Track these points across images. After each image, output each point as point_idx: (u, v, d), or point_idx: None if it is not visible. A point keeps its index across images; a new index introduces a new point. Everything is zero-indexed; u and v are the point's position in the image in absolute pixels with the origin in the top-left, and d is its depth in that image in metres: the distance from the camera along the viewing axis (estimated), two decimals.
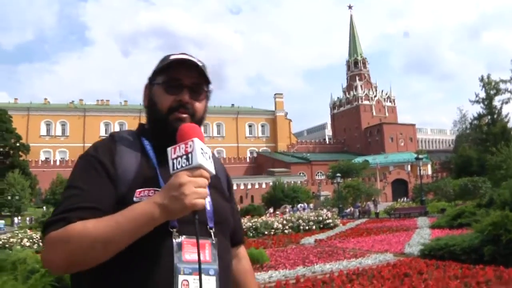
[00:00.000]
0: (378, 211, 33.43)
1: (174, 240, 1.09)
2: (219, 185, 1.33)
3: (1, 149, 61.23)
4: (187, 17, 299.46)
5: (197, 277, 1.06)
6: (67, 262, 1.03)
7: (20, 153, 61.81)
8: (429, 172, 75.01)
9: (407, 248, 10.98)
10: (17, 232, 19.94)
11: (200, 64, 1.25)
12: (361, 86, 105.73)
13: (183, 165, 1.05)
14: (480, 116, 58.42)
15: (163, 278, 1.07)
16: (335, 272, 8.17)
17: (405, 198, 53.61)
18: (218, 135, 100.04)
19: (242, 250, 1.46)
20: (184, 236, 1.10)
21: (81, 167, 1.17)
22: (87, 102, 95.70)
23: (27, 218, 46.26)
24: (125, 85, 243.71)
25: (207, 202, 1.18)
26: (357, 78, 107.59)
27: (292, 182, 54.22)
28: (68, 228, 1.04)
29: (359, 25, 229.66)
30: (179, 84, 1.24)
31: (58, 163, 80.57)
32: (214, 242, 1.16)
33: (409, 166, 75.92)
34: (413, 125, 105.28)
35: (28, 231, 19.81)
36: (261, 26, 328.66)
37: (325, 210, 25.20)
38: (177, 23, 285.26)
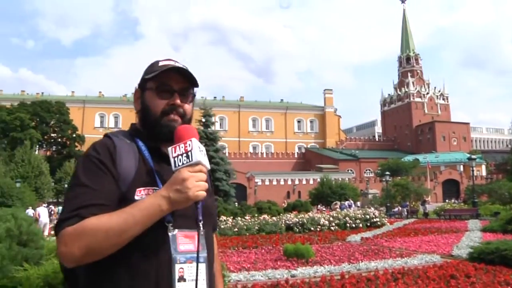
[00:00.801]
0: (427, 211, 32.68)
1: (169, 233, 1.24)
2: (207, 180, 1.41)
3: (60, 140, 64.30)
4: (236, 11, 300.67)
5: (191, 264, 1.25)
6: (84, 253, 1.15)
7: (76, 143, 64.18)
8: (483, 173, 72.38)
9: (456, 250, 10.80)
10: None
11: (186, 69, 1.40)
12: (413, 83, 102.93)
13: (184, 162, 1.20)
14: None
15: (162, 267, 1.24)
16: (380, 270, 8.19)
17: (455, 200, 52.04)
18: (267, 130, 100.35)
19: (214, 236, 1.58)
20: (177, 230, 1.27)
21: (86, 167, 1.26)
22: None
23: None
24: None
25: None
26: (409, 74, 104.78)
27: (340, 179, 53.78)
28: (84, 223, 1.16)
29: (412, 19, 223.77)
30: (170, 89, 1.39)
31: None
32: (202, 233, 1.30)
33: (461, 166, 73.50)
34: (467, 123, 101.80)
35: None
36: (311, 21, 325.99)
37: (372, 209, 24.97)
38: (226, 18, 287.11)
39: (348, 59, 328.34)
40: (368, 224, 19.69)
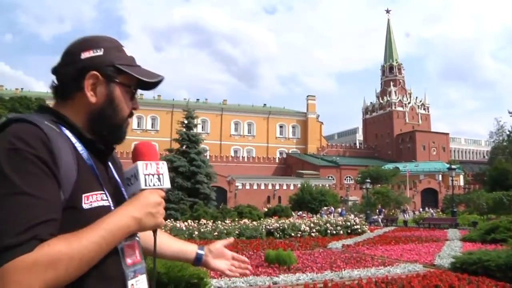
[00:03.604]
0: (407, 219, 32.91)
1: (118, 246, 1.07)
2: None
3: None
4: (221, 14, 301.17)
5: (138, 278, 1.11)
6: None
7: None
8: (461, 183, 73.35)
9: (437, 259, 10.77)
10: None
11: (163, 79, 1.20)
12: (395, 92, 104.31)
13: (156, 184, 1.08)
14: None
15: (117, 286, 1.07)
16: (364, 279, 8.07)
17: (430, 209, 52.51)
18: (249, 134, 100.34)
19: None
20: (123, 242, 1.09)
21: (21, 168, 0.91)
22: None
23: None
24: None
25: None
26: (391, 83, 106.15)
27: (321, 185, 53.84)
28: (50, 250, 0.87)
29: (395, 29, 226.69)
30: (135, 91, 1.20)
31: None
32: (138, 238, 1.16)
33: (440, 176, 74.42)
34: (447, 134, 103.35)
35: None
36: (295, 27, 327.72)
37: (352, 216, 24.99)
38: (210, 20, 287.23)
39: (332, 66, 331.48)
40: (349, 231, 19.64)
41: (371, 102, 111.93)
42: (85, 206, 1.01)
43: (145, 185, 1.07)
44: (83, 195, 1.01)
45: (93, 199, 1.03)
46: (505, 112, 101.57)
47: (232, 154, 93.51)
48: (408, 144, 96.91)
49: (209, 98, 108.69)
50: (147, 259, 1.24)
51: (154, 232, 1.12)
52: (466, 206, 40.36)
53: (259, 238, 17.31)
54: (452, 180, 33.26)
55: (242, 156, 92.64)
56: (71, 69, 1.10)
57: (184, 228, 17.52)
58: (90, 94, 1.10)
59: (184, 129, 34.32)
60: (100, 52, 1.11)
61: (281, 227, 18.45)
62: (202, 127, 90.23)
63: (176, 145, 35.41)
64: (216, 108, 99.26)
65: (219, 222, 18.98)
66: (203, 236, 16.82)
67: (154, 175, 1.09)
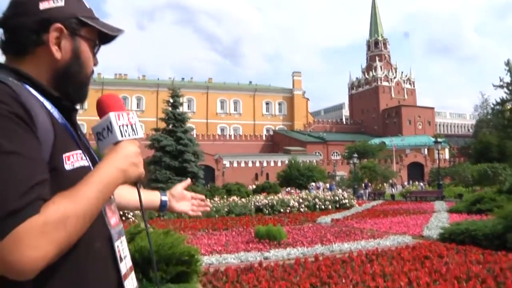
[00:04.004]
0: (394, 193, 33.26)
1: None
2: None
3: None
4: None
5: (121, 239, 1.08)
6: (60, 251, 0.82)
7: None
8: (447, 156, 74.25)
9: (426, 231, 10.89)
10: None
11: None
12: (380, 67, 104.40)
13: (130, 134, 1.04)
14: (503, 102, 57.36)
15: (104, 247, 1.01)
16: (354, 251, 8.13)
17: (419, 182, 53.23)
18: (235, 112, 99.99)
19: None
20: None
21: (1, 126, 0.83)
22: (105, 76, 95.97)
23: None
24: (141, 60, 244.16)
25: None
26: (377, 58, 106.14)
27: (308, 161, 54.05)
28: (58, 208, 0.82)
29: (381, 4, 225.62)
30: (98, 45, 1.12)
31: None
32: (113, 198, 1.12)
33: (426, 150, 75.25)
34: (432, 108, 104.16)
35: None
36: (280, 3, 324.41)
37: (340, 190, 25.17)
38: None
39: (317, 42, 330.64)
40: (337, 205, 19.80)
41: (356, 78, 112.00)
42: (67, 167, 0.94)
43: (122, 136, 1.01)
44: (64, 156, 0.94)
45: (74, 159, 0.96)
46: (490, 85, 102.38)
47: (219, 132, 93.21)
48: (394, 119, 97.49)
49: (194, 76, 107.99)
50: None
51: (136, 184, 1.08)
52: (452, 179, 40.93)
53: (248, 215, 17.38)
54: (438, 154, 33.62)
55: (229, 134, 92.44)
56: (28, 20, 0.98)
57: None
58: (55, 49, 0.99)
59: (170, 108, 34.05)
60: (61, 3, 1.00)
61: (270, 204, 18.52)
62: (188, 106, 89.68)
63: (162, 125, 35.18)
64: (202, 86, 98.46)
65: (208, 200, 18.89)
66: (192, 216, 16.87)
67: (127, 125, 1.04)
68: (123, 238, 1.10)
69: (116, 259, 1.03)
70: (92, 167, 1.00)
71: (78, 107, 1.10)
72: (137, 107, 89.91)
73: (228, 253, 8.48)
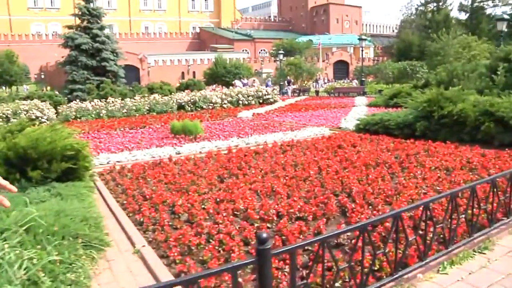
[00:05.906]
0: (319, 89, 33.63)
1: None
2: None
3: None
4: None
5: None
6: None
7: None
8: (371, 55, 75.70)
9: (343, 123, 11.01)
10: None
11: None
12: None
13: None
14: (426, 3, 58.50)
15: None
16: (269, 143, 8.01)
17: (346, 80, 54.46)
18: (160, 9, 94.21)
19: None
20: None
21: None
22: None
23: None
24: None
25: None
26: None
27: (235, 58, 53.04)
28: None
29: None
30: None
31: None
32: None
33: (352, 49, 76.07)
34: (360, 7, 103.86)
35: None
36: None
37: (264, 87, 25.02)
38: None
39: None
40: (261, 101, 19.68)
41: None
42: None
43: None
44: None
45: None
46: None
47: (143, 30, 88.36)
48: (322, 17, 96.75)
49: None
50: None
51: None
52: (375, 77, 41.98)
53: (169, 112, 16.89)
54: (362, 52, 33.94)
55: (153, 33, 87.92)
56: None
57: (90, 108, 16.53)
58: None
59: (83, 2, 31.21)
60: None
61: (192, 100, 18.01)
62: (108, 2, 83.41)
63: (78, 23, 32.39)
64: None
65: (128, 99, 18.06)
66: (112, 114, 16.13)
67: None
68: None
69: None
70: None
71: None
72: (52, 5, 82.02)
73: (140, 150, 8.09)
